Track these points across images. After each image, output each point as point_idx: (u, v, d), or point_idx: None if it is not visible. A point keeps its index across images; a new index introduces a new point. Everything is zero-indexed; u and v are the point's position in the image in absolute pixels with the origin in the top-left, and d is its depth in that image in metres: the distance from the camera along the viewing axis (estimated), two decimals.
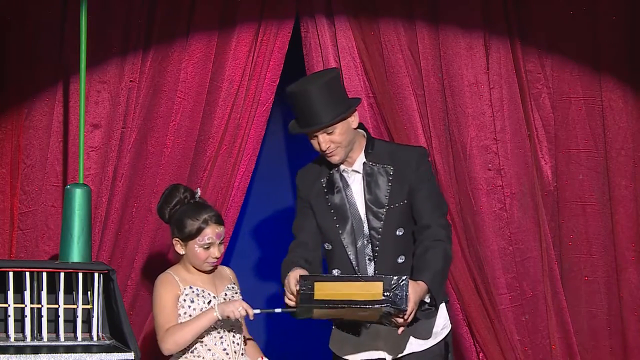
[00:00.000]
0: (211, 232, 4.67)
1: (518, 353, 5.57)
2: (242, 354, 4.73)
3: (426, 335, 4.75)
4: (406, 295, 4.38)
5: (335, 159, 4.72)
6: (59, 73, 5.42)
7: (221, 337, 4.68)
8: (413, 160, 4.73)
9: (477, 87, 5.57)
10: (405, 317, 4.43)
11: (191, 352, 4.65)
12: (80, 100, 5.00)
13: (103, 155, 5.43)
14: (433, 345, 4.78)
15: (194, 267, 4.73)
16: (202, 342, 4.66)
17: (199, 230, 4.66)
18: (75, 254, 4.82)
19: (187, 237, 4.68)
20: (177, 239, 4.71)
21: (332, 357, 4.89)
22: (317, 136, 4.69)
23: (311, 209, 4.79)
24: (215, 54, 5.50)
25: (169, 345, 4.61)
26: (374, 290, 4.40)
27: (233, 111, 5.53)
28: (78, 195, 4.85)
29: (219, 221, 4.72)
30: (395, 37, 5.57)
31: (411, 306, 4.42)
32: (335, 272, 4.73)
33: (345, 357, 4.82)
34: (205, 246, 4.68)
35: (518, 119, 5.61)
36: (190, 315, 4.64)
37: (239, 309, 4.59)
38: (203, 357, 4.65)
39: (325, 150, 4.68)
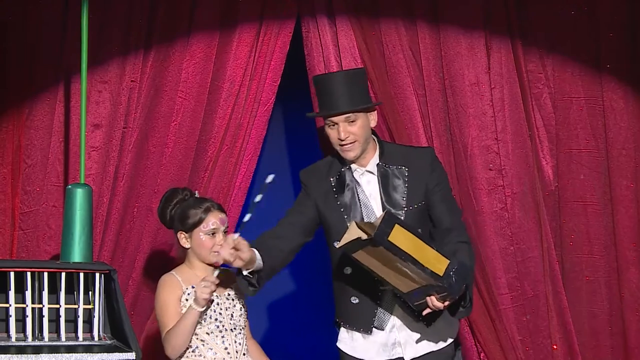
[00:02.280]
0: (214, 218, 4.70)
1: (519, 353, 5.57)
2: (244, 354, 4.73)
3: (446, 335, 4.75)
4: (460, 286, 4.40)
5: (350, 155, 4.71)
6: (60, 73, 5.42)
7: (223, 337, 4.68)
8: (427, 162, 4.76)
9: (478, 87, 5.57)
10: (446, 304, 4.43)
11: (192, 351, 4.66)
12: (82, 100, 5.00)
13: (104, 155, 5.43)
14: (446, 346, 4.78)
15: (200, 260, 4.73)
16: (203, 341, 4.66)
17: (202, 218, 4.68)
18: (77, 254, 4.82)
19: (192, 227, 4.69)
20: (181, 232, 4.72)
21: (339, 357, 4.89)
22: (337, 124, 4.69)
23: (317, 208, 4.79)
24: (217, 54, 5.50)
25: (168, 350, 4.65)
26: (439, 263, 4.40)
27: (234, 111, 5.53)
28: (79, 195, 4.85)
29: (221, 209, 4.76)
30: (396, 37, 5.57)
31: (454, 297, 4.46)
32: (345, 270, 4.74)
33: (361, 358, 4.81)
34: (211, 232, 4.69)
35: (519, 119, 5.61)
36: None
37: (202, 285, 4.55)
38: (204, 357, 4.66)
39: (344, 141, 4.68)
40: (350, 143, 4.69)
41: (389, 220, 4.37)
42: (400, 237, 4.36)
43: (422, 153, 4.84)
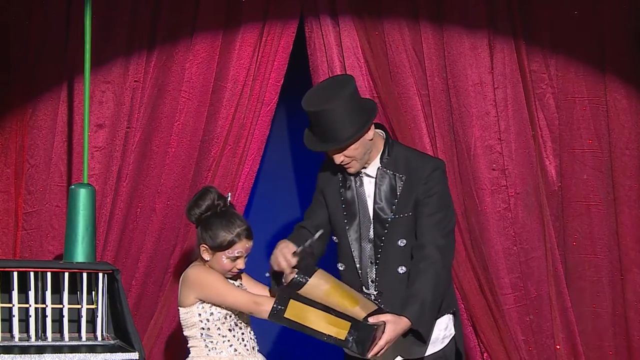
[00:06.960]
0: (241, 247, 4.68)
1: (522, 353, 5.57)
2: (258, 350, 4.76)
3: (418, 352, 4.75)
4: (371, 343, 4.38)
5: (351, 171, 4.71)
6: (64, 73, 5.43)
7: (242, 333, 4.70)
8: (425, 173, 4.69)
9: (481, 87, 5.57)
10: (367, 357, 4.46)
11: (213, 348, 4.66)
12: (85, 100, 5.01)
13: (107, 155, 5.43)
14: (431, 354, 4.77)
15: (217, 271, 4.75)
16: (225, 337, 4.66)
17: (230, 244, 4.67)
18: (80, 254, 4.83)
19: (218, 248, 4.67)
20: (206, 246, 4.70)
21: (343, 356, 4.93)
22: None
23: (324, 199, 4.80)
24: (220, 54, 5.51)
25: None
26: (341, 327, 4.41)
27: (237, 111, 5.53)
28: (82, 195, 4.86)
29: (250, 236, 4.73)
30: (399, 37, 5.57)
31: (380, 344, 4.43)
32: (339, 266, 4.76)
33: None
34: (233, 259, 4.69)
35: (522, 119, 5.61)
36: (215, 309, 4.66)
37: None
38: (225, 353, 4.66)
39: (341, 164, 4.68)
40: (348, 163, 4.69)
41: (283, 297, 4.43)
42: (296, 312, 4.42)
43: (424, 163, 4.75)
